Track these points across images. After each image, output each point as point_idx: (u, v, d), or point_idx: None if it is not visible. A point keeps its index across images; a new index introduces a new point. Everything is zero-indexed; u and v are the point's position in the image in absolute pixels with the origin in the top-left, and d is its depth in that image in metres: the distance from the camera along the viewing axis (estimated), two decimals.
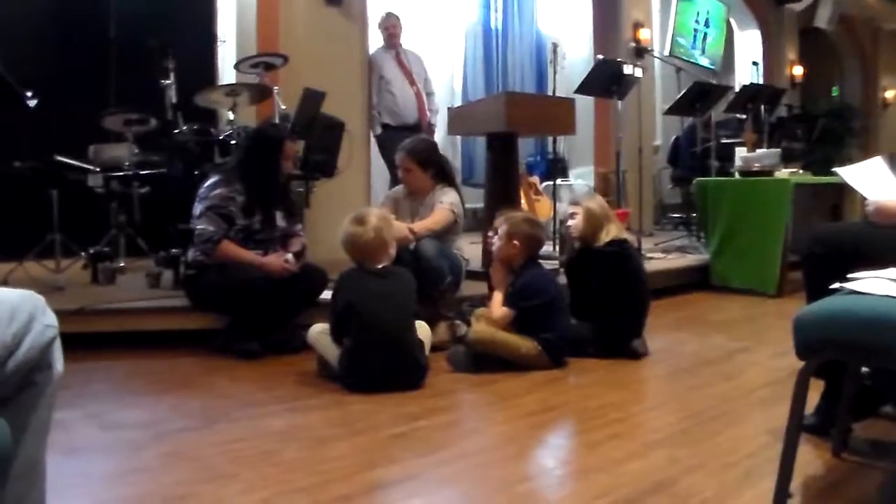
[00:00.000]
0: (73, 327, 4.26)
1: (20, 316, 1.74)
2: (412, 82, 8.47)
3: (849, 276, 2.43)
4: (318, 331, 4.21)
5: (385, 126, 8.33)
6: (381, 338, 3.91)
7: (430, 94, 8.83)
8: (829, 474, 2.81)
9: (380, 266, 4.17)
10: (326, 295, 4.76)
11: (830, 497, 2.63)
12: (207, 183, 4.90)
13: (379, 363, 3.89)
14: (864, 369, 2.92)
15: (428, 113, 8.65)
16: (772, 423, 3.23)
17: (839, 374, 2.88)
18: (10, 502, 1.76)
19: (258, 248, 4.88)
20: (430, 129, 8.62)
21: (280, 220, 5.02)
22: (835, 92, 16.61)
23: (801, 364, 2.32)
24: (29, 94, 5.33)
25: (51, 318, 1.84)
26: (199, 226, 4.73)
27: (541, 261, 4.75)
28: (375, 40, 8.58)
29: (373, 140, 8.34)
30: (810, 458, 2.87)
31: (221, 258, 4.70)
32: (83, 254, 6.05)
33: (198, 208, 4.80)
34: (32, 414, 1.80)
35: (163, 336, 4.82)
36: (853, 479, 2.80)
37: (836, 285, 2.44)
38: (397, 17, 8.62)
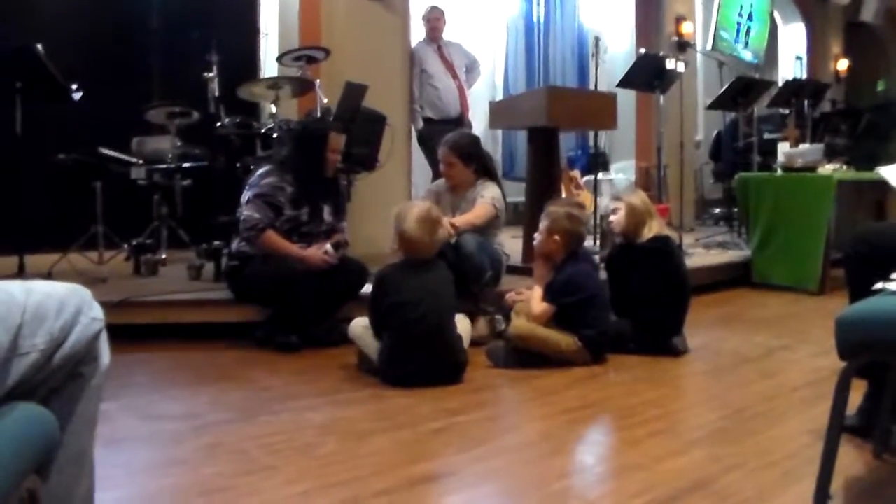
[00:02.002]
0: (116, 319, 4.29)
1: (68, 309, 1.76)
2: (454, 75, 8.44)
3: (892, 276, 2.41)
4: (359, 325, 4.23)
5: (427, 120, 8.32)
6: (423, 332, 3.91)
7: (472, 72, 8.92)
8: (870, 475, 2.78)
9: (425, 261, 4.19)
10: (367, 289, 4.78)
11: (871, 498, 2.62)
12: (259, 172, 4.97)
13: (419, 357, 3.90)
14: None
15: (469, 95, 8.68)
16: (813, 422, 3.21)
17: (882, 375, 2.85)
18: (58, 493, 1.78)
19: (302, 240, 4.91)
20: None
21: (327, 215, 5.06)
22: (880, 86, 16.37)
23: (842, 363, 2.30)
24: (74, 87, 5.40)
25: (97, 312, 1.86)
26: (246, 212, 4.77)
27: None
28: (417, 33, 8.57)
29: (413, 133, 8.33)
30: (851, 459, 2.84)
31: (263, 247, 4.74)
32: (126, 246, 6.10)
33: (246, 195, 4.84)
34: (79, 406, 1.83)
35: (203, 328, 4.85)
36: (894, 481, 2.78)
37: (878, 286, 2.41)
38: (442, 11, 8.60)
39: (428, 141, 8.03)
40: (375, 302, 4.11)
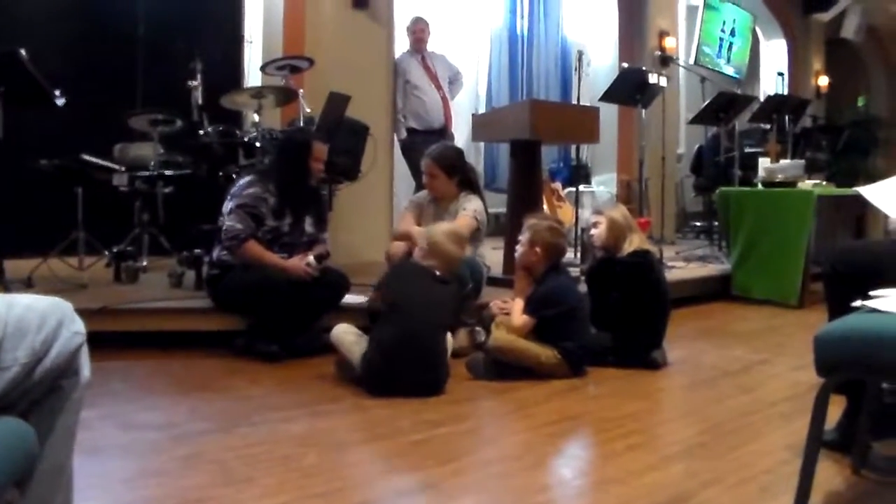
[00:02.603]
0: (95, 326, 4.28)
1: (49, 323, 1.76)
2: (438, 87, 8.44)
3: (870, 293, 2.43)
4: (342, 331, 4.23)
5: (410, 130, 8.30)
6: (412, 339, 3.92)
7: (455, 83, 8.92)
8: (848, 491, 2.80)
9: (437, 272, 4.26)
10: (348, 299, 4.82)
11: None
12: (242, 181, 4.95)
13: (403, 365, 3.89)
14: (886, 386, 2.91)
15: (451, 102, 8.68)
16: (791, 437, 3.23)
17: (860, 391, 2.87)
18: None
19: (283, 251, 4.90)
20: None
21: (309, 226, 5.05)
22: (860, 102, 16.48)
23: (821, 378, 2.31)
24: (57, 92, 5.38)
25: (78, 326, 1.86)
26: (228, 222, 4.76)
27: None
28: (401, 44, 8.58)
29: (398, 143, 8.34)
30: (829, 475, 2.86)
31: (245, 257, 4.73)
32: (106, 252, 6.08)
33: (228, 205, 4.83)
34: (58, 419, 1.83)
35: (183, 337, 4.83)
36: (872, 497, 2.80)
37: (857, 303, 2.43)
38: (426, 22, 8.61)
39: (411, 151, 8.05)
40: (386, 289, 4.23)
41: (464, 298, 4.91)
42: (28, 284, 5.24)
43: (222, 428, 3.43)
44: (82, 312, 1.93)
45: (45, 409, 1.81)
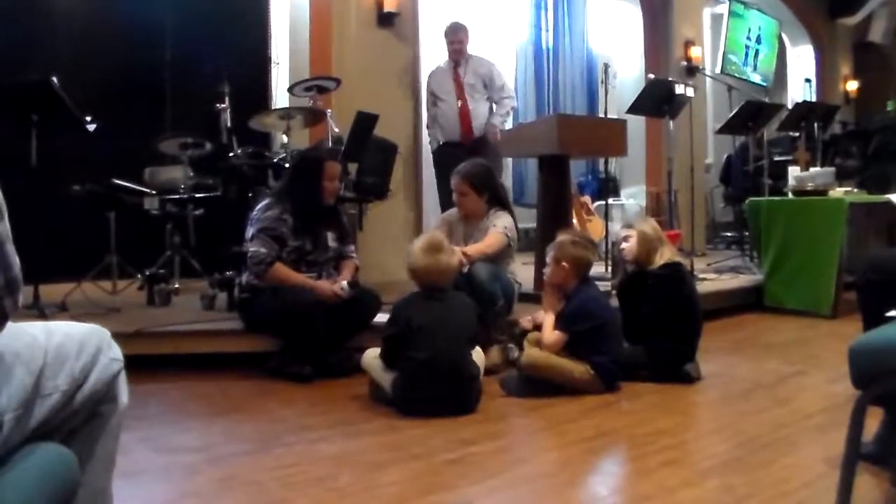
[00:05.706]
0: (130, 349, 4.31)
1: (87, 350, 1.80)
2: (460, 96, 7.99)
3: None
4: (372, 356, 4.23)
5: (442, 142, 8.00)
6: (438, 361, 3.91)
7: (500, 101, 8.23)
8: None
9: (440, 289, 4.22)
10: (380, 318, 4.79)
11: None
12: (259, 205, 4.97)
13: (434, 387, 3.89)
14: None
15: (475, 129, 8.08)
16: (828, 450, 3.19)
17: None
18: None
19: (310, 269, 4.94)
20: (494, 132, 7.92)
21: (332, 242, 5.08)
22: (890, 107, 16.35)
23: (857, 390, 2.30)
24: (88, 118, 5.44)
25: (116, 352, 1.90)
26: (252, 248, 4.79)
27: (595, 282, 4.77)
28: (427, 62, 8.44)
29: (425, 161, 8.27)
30: (868, 488, 2.82)
31: (273, 281, 4.75)
32: (139, 275, 6.13)
33: (250, 231, 4.86)
34: (98, 444, 1.87)
35: (217, 358, 4.87)
36: None
37: (891, 313, 2.41)
38: (465, 31, 8.11)
39: (439, 162, 7.87)
40: (393, 330, 4.12)
41: (495, 315, 4.92)
42: (62, 309, 5.29)
43: (257, 449, 3.44)
44: (117, 336, 1.97)
45: (85, 435, 1.84)
